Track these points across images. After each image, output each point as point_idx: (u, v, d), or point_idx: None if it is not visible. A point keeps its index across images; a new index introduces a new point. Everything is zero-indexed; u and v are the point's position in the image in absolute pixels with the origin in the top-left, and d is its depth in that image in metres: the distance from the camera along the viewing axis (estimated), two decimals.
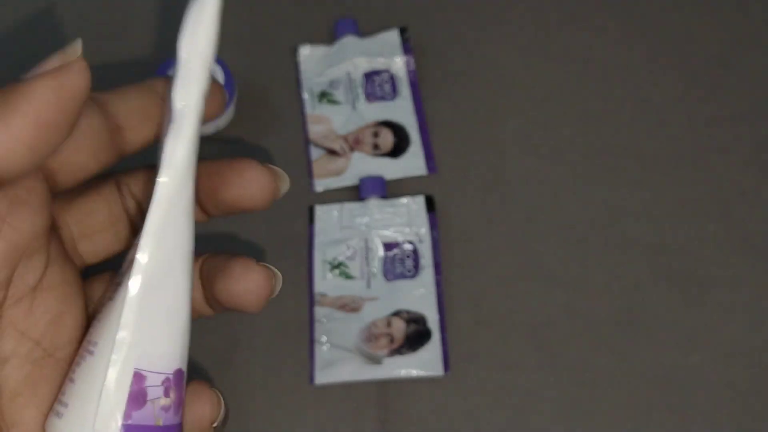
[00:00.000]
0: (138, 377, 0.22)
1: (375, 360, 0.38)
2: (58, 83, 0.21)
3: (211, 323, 0.40)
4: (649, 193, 0.42)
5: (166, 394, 0.23)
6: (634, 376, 0.38)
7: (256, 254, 0.41)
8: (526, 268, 0.41)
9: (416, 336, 0.39)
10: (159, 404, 0.22)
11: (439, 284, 0.40)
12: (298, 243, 0.42)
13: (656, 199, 0.42)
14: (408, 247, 0.41)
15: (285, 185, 0.26)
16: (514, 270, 0.41)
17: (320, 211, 0.42)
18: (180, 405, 0.23)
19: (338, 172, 0.43)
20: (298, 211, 0.43)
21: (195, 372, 0.39)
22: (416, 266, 0.41)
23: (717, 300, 0.40)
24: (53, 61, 0.21)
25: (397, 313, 0.39)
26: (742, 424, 0.37)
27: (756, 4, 0.47)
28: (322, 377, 0.38)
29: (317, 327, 0.39)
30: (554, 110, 0.45)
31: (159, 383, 0.23)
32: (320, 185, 0.43)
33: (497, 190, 0.43)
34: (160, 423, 0.22)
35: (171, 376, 0.23)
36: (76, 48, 0.22)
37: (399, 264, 0.41)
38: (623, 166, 0.43)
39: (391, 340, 0.39)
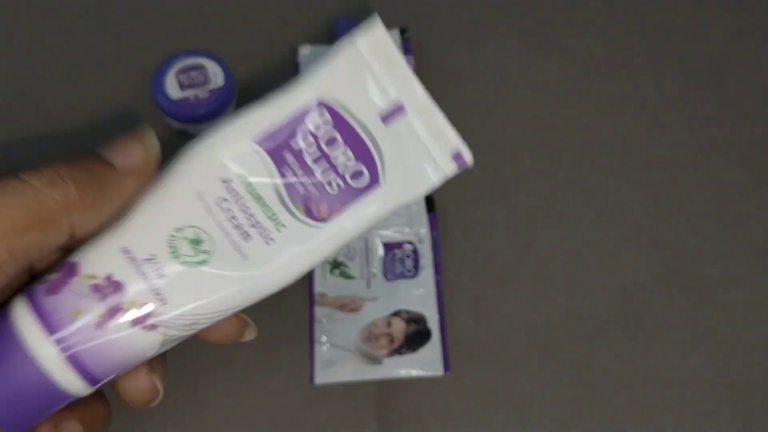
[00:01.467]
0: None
1: (375, 360, 0.38)
2: (142, 179, 0.26)
3: None
4: (649, 193, 0.42)
5: (57, 270, 0.26)
6: (634, 376, 0.38)
7: None
8: (526, 268, 0.41)
9: (416, 336, 0.39)
10: (48, 277, 0.26)
11: (439, 284, 0.40)
12: None
13: (656, 199, 0.42)
14: (408, 247, 0.41)
15: (252, 334, 0.31)
16: (514, 270, 0.41)
17: None
18: (53, 290, 0.26)
19: None
20: None
21: (194, 370, 0.39)
22: (416, 266, 0.41)
23: (717, 300, 0.40)
24: (135, 152, 0.26)
25: (397, 313, 0.40)
26: (742, 424, 0.37)
27: (755, 5, 0.47)
28: (322, 377, 0.38)
29: (317, 327, 0.39)
30: (554, 110, 0.45)
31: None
32: None
33: (497, 190, 0.43)
34: (37, 287, 0.26)
35: (69, 261, 0.27)
36: (152, 140, 0.27)
37: (399, 264, 0.41)
38: (623, 166, 0.43)
39: (391, 340, 0.39)
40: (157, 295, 0.26)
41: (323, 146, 0.27)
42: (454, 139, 0.28)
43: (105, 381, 0.26)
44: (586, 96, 0.45)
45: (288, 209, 0.27)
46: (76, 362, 0.25)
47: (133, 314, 0.26)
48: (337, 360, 0.39)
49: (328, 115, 0.27)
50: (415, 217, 0.42)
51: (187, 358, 0.39)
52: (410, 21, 0.47)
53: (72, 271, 0.26)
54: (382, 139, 0.27)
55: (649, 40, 0.46)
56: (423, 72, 0.46)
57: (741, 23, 0.47)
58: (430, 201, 0.42)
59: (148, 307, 0.26)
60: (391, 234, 0.41)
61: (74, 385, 0.26)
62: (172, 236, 0.26)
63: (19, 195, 0.24)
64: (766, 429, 0.37)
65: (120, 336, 0.26)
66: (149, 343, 0.26)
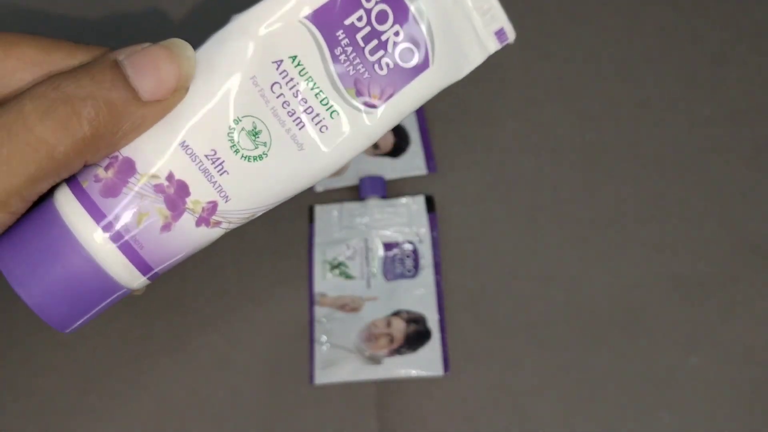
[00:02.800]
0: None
1: (375, 360, 0.38)
2: (169, 110, 0.24)
3: (212, 322, 0.40)
4: (649, 193, 0.42)
5: (106, 168, 0.25)
6: (634, 376, 0.38)
7: (256, 253, 0.41)
8: (526, 268, 0.41)
9: (416, 336, 0.39)
10: (93, 171, 0.25)
11: (439, 284, 0.40)
12: (298, 243, 0.42)
13: (656, 199, 0.42)
14: (408, 247, 0.41)
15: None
16: (514, 270, 0.41)
17: (320, 211, 0.42)
18: (111, 192, 0.24)
19: (338, 172, 0.43)
20: (298, 211, 0.43)
21: (193, 370, 0.39)
22: (416, 266, 0.41)
23: (717, 300, 0.40)
24: (167, 76, 0.23)
25: (397, 313, 0.40)
26: (742, 424, 0.37)
27: (755, 4, 0.47)
28: (322, 377, 0.38)
29: (317, 327, 0.39)
30: (554, 110, 0.45)
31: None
32: (320, 185, 0.43)
33: (497, 190, 0.43)
34: (85, 184, 0.24)
35: (119, 155, 0.25)
36: (189, 59, 0.24)
37: (399, 264, 0.41)
38: (623, 166, 0.43)
39: (391, 340, 0.39)
40: (221, 192, 0.25)
41: (374, 22, 0.25)
42: (499, 16, 0.27)
43: (160, 273, 0.26)
44: (585, 96, 0.45)
45: (340, 93, 0.25)
46: (137, 261, 0.24)
47: (197, 214, 0.25)
48: (337, 360, 0.39)
49: None
50: (415, 217, 0.42)
51: (188, 359, 0.39)
52: None
53: (128, 169, 0.24)
54: (431, 13, 0.26)
55: (649, 40, 0.46)
56: None
57: (741, 23, 0.47)
58: (430, 201, 0.42)
59: (212, 206, 0.25)
60: (391, 234, 0.41)
61: (134, 279, 0.25)
62: (231, 128, 0.24)
63: (30, 148, 0.22)
64: (766, 429, 0.37)
65: (184, 235, 0.25)
66: (210, 237, 0.26)
